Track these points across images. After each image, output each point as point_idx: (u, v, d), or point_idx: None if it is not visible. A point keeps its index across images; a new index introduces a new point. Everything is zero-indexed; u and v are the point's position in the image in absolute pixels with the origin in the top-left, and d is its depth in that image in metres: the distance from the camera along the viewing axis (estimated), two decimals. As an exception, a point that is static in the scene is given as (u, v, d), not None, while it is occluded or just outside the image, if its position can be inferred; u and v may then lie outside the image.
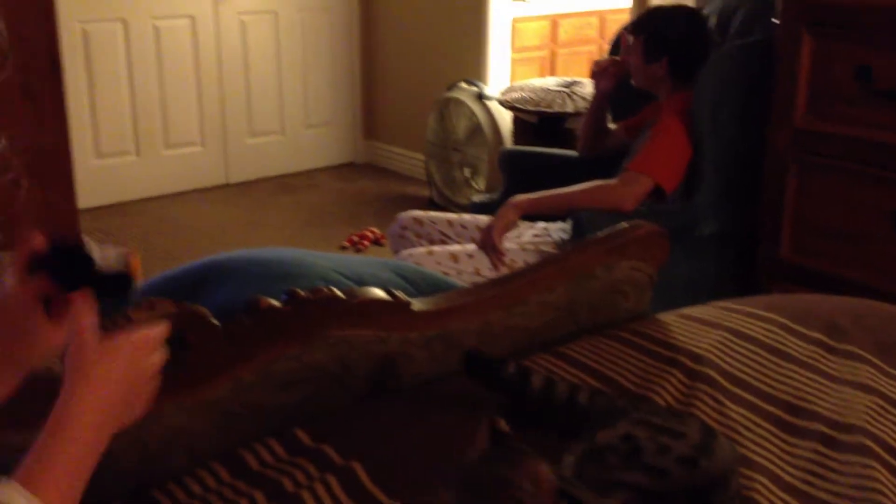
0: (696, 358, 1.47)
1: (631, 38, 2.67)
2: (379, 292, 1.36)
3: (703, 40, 2.66)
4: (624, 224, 1.67)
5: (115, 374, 0.89)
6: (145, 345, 0.92)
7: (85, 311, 0.91)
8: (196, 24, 4.49)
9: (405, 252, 2.63)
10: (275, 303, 1.26)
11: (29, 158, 3.54)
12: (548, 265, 1.55)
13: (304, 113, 4.99)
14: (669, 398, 1.38)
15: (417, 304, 1.40)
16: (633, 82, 2.70)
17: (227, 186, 4.78)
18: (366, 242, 4.03)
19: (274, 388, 1.28)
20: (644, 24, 2.66)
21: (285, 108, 4.91)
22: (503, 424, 0.96)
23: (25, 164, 3.51)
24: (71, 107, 3.91)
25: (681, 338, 1.55)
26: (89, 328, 0.90)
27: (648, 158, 2.53)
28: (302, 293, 1.28)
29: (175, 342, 1.14)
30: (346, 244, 4.02)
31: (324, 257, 1.62)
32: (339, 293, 1.31)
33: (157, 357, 0.94)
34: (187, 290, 1.42)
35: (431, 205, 4.48)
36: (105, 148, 4.38)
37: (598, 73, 2.80)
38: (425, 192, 4.69)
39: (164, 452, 1.20)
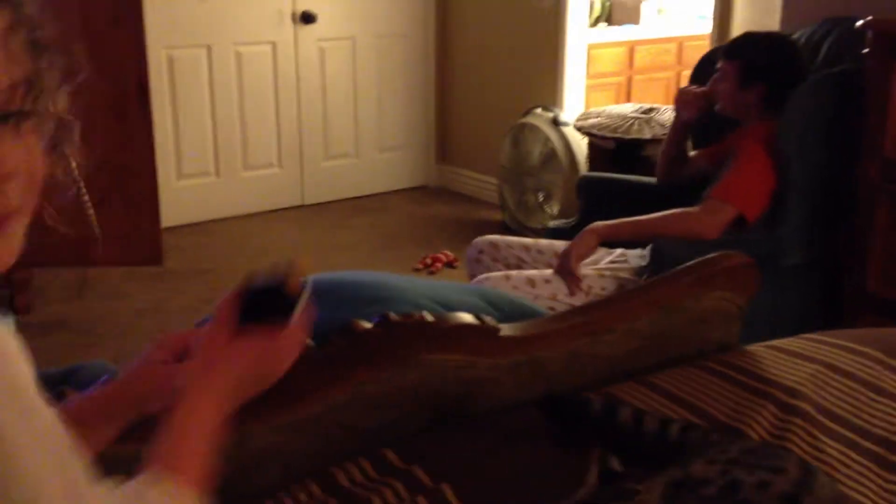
0: (790, 391, 1.44)
1: (721, 63, 2.62)
2: (468, 317, 1.36)
3: (799, 68, 2.60)
4: (712, 253, 1.65)
5: (243, 364, 0.97)
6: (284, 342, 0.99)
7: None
8: (277, 50, 4.60)
9: (481, 276, 2.64)
10: (368, 326, 1.27)
11: (117, 178, 3.66)
12: (635, 294, 1.54)
13: (379, 136, 5.05)
14: (762, 431, 1.36)
15: (505, 330, 1.40)
16: (718, 109, 2.66)
17: (302, 207, 4.86)
18: (439, 265, 4.04)
19: (365, 409, 1.29)
20: (740, 49, 2.60)
21: (360, 131, 4.98)
22: (616, 463, 0.95)
23: (114, 183, 3.62)
24: (156, 129, 4.05)
25: (772, 370, 1.52)
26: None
27: (732, 186, 2.50)
28: (394, 317, 1.29)
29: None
30: (419, 267, 4.04)
31: (409, 281, 1.63)
32: (429, 317, 1.32)
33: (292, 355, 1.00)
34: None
35: (504, 229, 4.48)
36: (187, 169, 4.49)
37: (683, 102, 2.76)
38: (498, 216, 4.70)
39: (258, 469, 1.22)
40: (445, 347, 1.33)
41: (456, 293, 1.59)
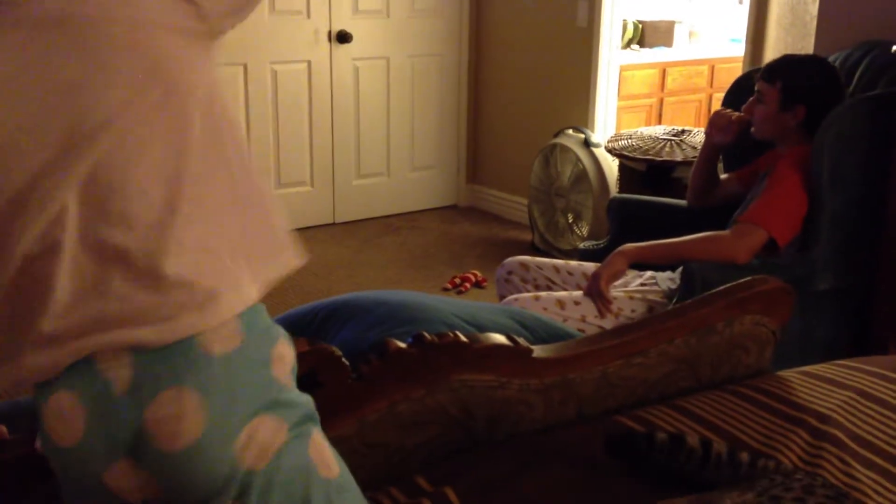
0: (822, 418, 1.44)
1: (759, 85, 2.61)
2: (501, 338, 1.38)
3: (839, 90, 2.58)
4: (744, 277, 1.65)
5: None
6: None
7: None
8: (312, 69, 4.65)
9: (511, 297, 2.64)
10: (402, 345, 1.29)
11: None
12: (669, 317, 1.54)
13: (410, 156, 5.08)
14: (794, 458, 1.35)
15: (538, 352, 1.41)
16: (754, 132, 2.64)
17: (333, 225, 4.90)
18: (467, 285, 4.05)
19: (397, 428, 1.30)
20: (780, 71, 2.58)
21: (392, 150, 5.02)
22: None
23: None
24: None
25: (804, 396, 1.52)
26: None
27: (764, 210, 2.48)
28: (428, 337, 1.30)
29: (308, 380, 1.18)
30: (448, 286, 4.05)
31: (442, 301, 1.65)
32: (463, 338, 1.33)
33: None
34: (314, 327, 1.46)
35: (533, 249, 4.49)
36: (220, 186, 4.54)
37: (718, 126, 2.74)
38: (527, 236, 4.70)
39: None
40: (478, 368, 1.34)
41: (488, 313, 1.61)
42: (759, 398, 1.51)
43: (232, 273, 0.94)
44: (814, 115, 2.52)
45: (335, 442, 1.26)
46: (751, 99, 2.63)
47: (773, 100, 2.55)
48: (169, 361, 0.90)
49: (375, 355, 1.27)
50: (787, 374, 1.62)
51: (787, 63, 2.62)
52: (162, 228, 0.90)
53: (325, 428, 1.25)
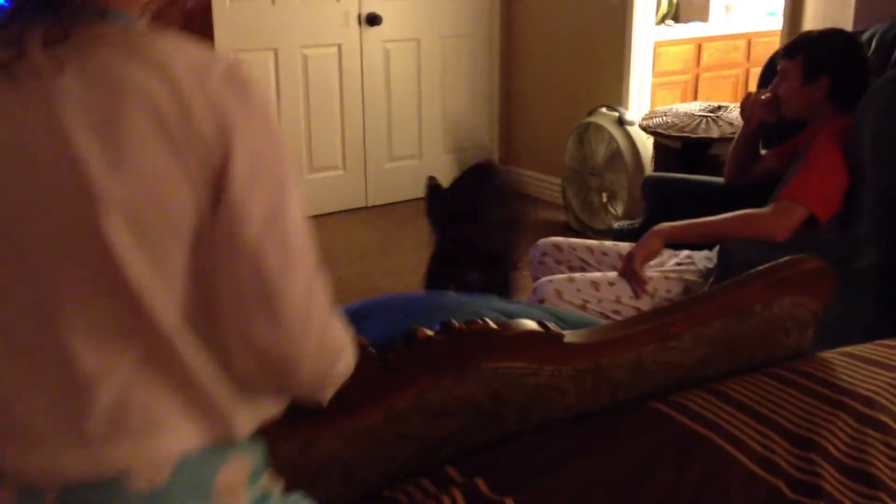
0: (866, 401, 1.39)
1: (781, 64, 2.57)
2: (532, 324, 1.35)
3: (862, 61, 2.55)
4: (784, 256, 1.60)
5: None
6: None
7: None
8: (342, 53, 4.62)
9: (544, 279, 2.61)
10: (430, 333, 1.26)
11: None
12: (705, 298, 1.50)
13: (443, 138, 5.05)
14: (838, 443, 1.31)
15: (570, 337, 1.38)
16: (784, 112, 2.60)
17: (365, 209, 4.88)
18: (502, 267, 4.01)
19: (426, 418, 1.28)
20: (800, 46, 2.57)
21: (424, 133, 4.98)
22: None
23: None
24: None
25: (847, 379, 1.47)
26: None
27: (803, 186, 2.42)
28: (457, 324, 1.28)
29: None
30: (483, 268, 4.02)
31: (471, 299, 1.62)
32: (492, 325, 1.30)
33: None
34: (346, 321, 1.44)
35: (567, 230, 4.44)
36: (253, 171, 4.54)
37: (752, 109, 2.68)
38: (561, 216, 4.65)
39: (320, 476, 1.22)
40: (509, 355, 1.31)
41: (518, 306, 1.58)
42: (799, 381, 1.47)
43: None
44: (839, 85, 2.49)
45: (363, 431, 1.24)
46: (776, 79, 2.61)
47: (795, 75, 2.53)
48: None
49: (403, 344, 1.25)
50: (828, 355, 1.58)
51: (807, 37, 2.64)
52: None
53: (352, 418, 1.23)
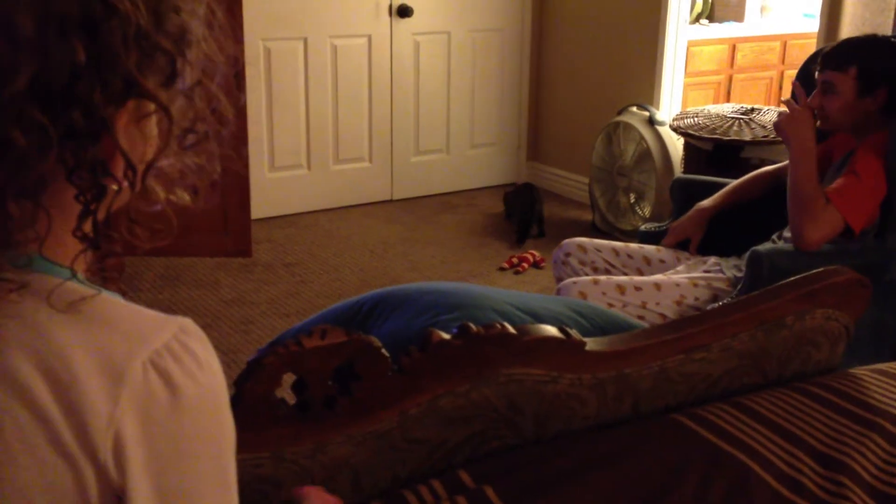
0: (899, 423, 1.33)
1: (826, 76, 2.45)
2: (552, 330, 1.30)
3: None
4: (815, 264, 1.54)
5: None
6: None
7: None
8: (372, 44, 4.58)
9: (569, 280, 2.56)
10: (446, 337, 1.22)
11: (209, 169, 3.70)
12: (734, 308, 1.45)
13: (470, 133, 5.00)
14: (869, 465, 1.26)
15: (591, 345, 1.33)
16: (826, 125, 2.48)
17: (390, 202, 4.85)
18: (525, 265, 3.97)
19: (439, 423, 1.24)
20: (852, 57, 2.41)
21: (451, 127, 4.94)
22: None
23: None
24: (250, 121, 4.08)
25: (878, 398, 1.42)
26: None
27: (843, 195, 2.35)
28: (474, 328, 1.23)
29: (345, 372, 1.12)
30: (506, 266, 3.98)
31: (494, 290, 1.58)
32: (511, 329, 1.26)
33: None
34: (359, 318, 1.41)
35: (594, 229, 4.38)
36: (279, 161, 4.52)
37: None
38: (587, 216, 4.59)
39: (331, 480, 1.18)
40: (527, 361, 1.27)
41: (540, 301, 1.53)
42: (829, 398, 1.42)
43: None
44: (894, 96, 2.38)
45: (376, 436, 1.21)
46: (815, 91, 2.47)
47: (848, 88, 2.39)
48: None
49: (417, 347, 1.21)
50: (859, 371, 1.52)
51: (855, 47, 2.46)
52: None
53: (364, 422, 1.20)
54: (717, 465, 1.25)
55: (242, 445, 1.10)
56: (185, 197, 0.77)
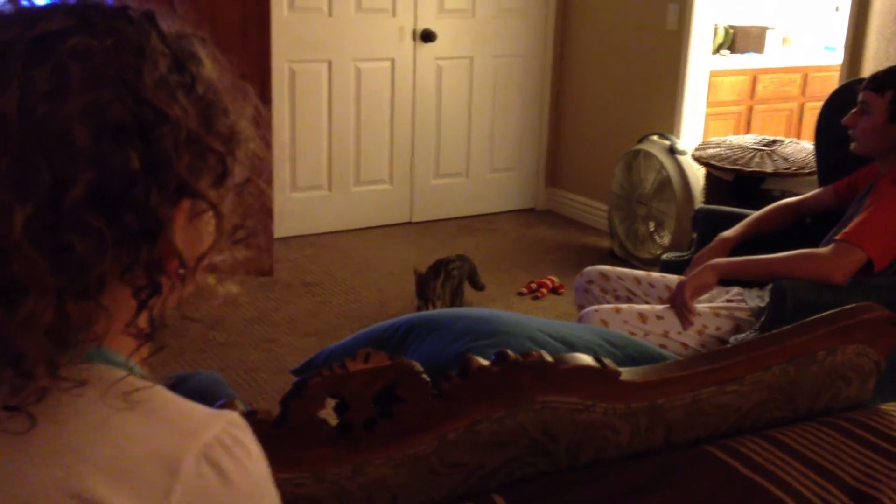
0: (931, 460, 1.34)
1: (864, 96, 2.48)
2: (588, 359, 1.32)
3: None
4: (843, 299, 1.56)
5: None
6: None
7: None
8: (395, 67, 4.63)
9: (590, 308, 2.57)
10: (485, 363, 1.24)
11: (234, 188, 3.73)
12: (766, 343, 1.46)
13: (490, 157, 5.03)
14: (900, 503, 1.26)
15: (626, 375, 1.35)
16: (854, 147, 2.52)
17: (409, 224, 4.87)
18: (544, 290, 3.98)
19: (476, 448, 1.25)
20: (891, 81, 2.44)
21: (472, 151, 4.97)
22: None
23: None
24: (273, 141, 4.12)
25: (909, 434, 1.42)
26: None
27: (864, 231, 2.36)
28: (512, 355, 1.25)
29: (387, 395, 1.14)
30: (524, 291, 3.99)
31: (526, 317, 1.59)
32: (548, 357, 1.28)
33: None
34: (394, 341, 1.43)
35: (612, 257, 4.40)
36: (301, 182, 4.56)
37: None
38: (606, 243, 4.61)
39: (366, 501, 1.20)
40: (562, 389, 1.29)
41: (571, 329, 1.55)
42: (859, 433, 1.42)
43: None
44: None
45: (414, 458, 1.22)
46: (853, 110, 2.51)
47: (881, 111, 2.42)
48: None
49: (457, 372, 1.23)
50: (890, 408, 1.53)
51: None
52: None
53: (403, 445, 1.21)
54: (750, 498, 1.26)
55: (286, 464, 1.12)
56: (233, 290, 0.80)
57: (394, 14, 4.56)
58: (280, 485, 0.76)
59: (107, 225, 0.66)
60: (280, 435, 1.11)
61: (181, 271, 0.71)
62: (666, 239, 4.20)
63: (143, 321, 0.72)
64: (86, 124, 0.65)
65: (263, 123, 0.79)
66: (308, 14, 4.37)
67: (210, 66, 0.74)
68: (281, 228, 4.35)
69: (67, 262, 0.65)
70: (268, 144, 0.80)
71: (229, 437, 0.71)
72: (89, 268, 0.66)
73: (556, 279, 4.06)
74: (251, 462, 0.71)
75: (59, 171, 0.64)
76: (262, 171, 0.79)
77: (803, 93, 5.16)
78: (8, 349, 0.66)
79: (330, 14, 4.42)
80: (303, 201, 4.58)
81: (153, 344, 0.75)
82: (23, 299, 0.64)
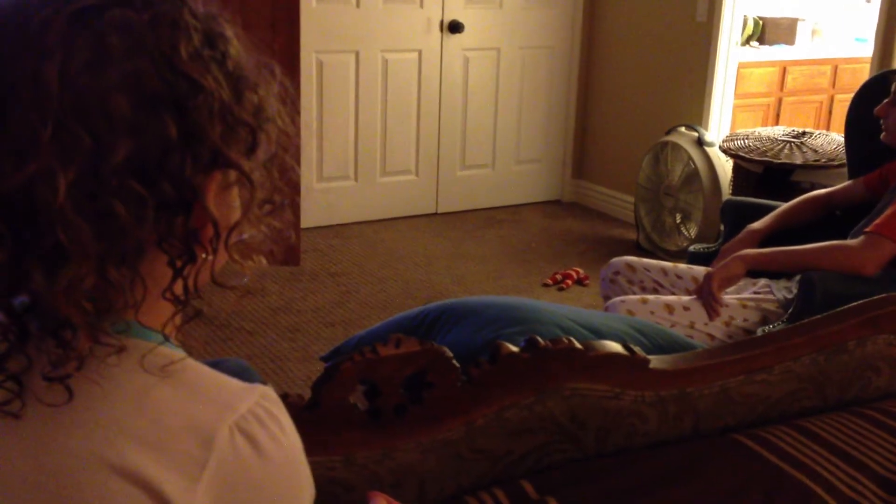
0: (963, 451, 1.33)
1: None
2: (617, 347, 1.32)
3: None
4: (871, 291, 1.55)
5: None
6: None
7: None
8: (422, 58, 4.64)
9: (617, 299, 2.56)
10: (515, 349, 1.25)
11: (261, 178, 3.75)
12: (796, 333, 1.45)
13: (516, 148, 5.03)
14: (931, 493, 1.26)
15: (655, 363, 1.35)
16: (884, 137, 2.51)
17: (435, 216, 4.88)
18: (569, 282, 3.98)
19: (504, 434, 1.26)
20: None
21: (498, 142, 4.97)
22: None
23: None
24: (301, 132, 4.14)
25: (941, 425, 1.42)
26: None
27: (894, 223, 2.34)
28: (542, 342, 1.26)
29: (417, 380, 1.15)
30: (549, 282, 3.99)
31: (554, 305, 1.60)
32: (577, 344, 1.28)
33: None
34: (423, 328, 1.44)
35: (638, 249, 4.38)
36: (327, 172, 4.58)
37: None
38: (632, 235, 4.60)
39: (397, 486, 1.21)
40: (591, 377, 1.29)
41: (600, 318, 1.55)
42: (889, 423, 1.42)
43: None
44: None
45: (443, 444, 1.23)
46: (885, 101, 2.49)
47: None
48: None
49: (486, 359, 1.23)
50: (920, 399, 1.52)
51: None
52: None
53: (433, 430, 1.22)
54: (779, 487, 1.26)
55: (317, 448, 1.13)
56: (262, 261, 0.81)
57: (421, 5, 4.57)
58: (311, 467, 0.77)
59: (148, 192, 0.67)
60: (311, 418, 1.13)
61: (214, 240, 0.72)
62: (693, 231, 4.18)
63: (178, 289, 0.74)
64: (125, 93, 0.66)
65: (290, 101, 0.80)
66: (336, 5, 4.38)
67: (237, 45, 0.75)
68: (307, 218, 4.37)
69: (108, 228, 0.66)
70: (294, 123, 0.81)
71: (263, 409, 0.72)
72: (129, 234, 0.67)
73: (581, 270, 4.05)
74: (284, 435, 0.73)
75: (99, 139, 0.65)
76: (289, 147, 0.80)
77: (833, 85, 5.12)
78: (50, 318, 0.67)
79: (358, 5, 4.43)
80: (329, 191, 4.60)
81: (186, 313, 0.76)
82: (65, 265, 0.65)
